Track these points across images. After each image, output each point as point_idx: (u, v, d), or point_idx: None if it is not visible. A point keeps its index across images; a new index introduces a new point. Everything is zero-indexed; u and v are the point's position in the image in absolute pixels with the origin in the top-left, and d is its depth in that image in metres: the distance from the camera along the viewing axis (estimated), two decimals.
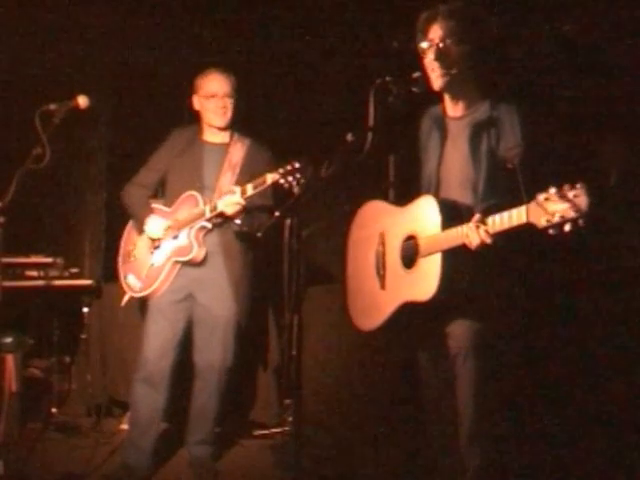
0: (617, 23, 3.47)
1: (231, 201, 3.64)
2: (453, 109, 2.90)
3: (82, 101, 3.50)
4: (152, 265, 3.83)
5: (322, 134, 4.06)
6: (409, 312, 2.81)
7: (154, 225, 3.83)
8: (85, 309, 4.34)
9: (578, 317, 3.55)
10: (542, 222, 2.31)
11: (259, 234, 3.44)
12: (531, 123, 2.81)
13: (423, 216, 2.78)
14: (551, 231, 2.30)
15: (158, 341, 3.77)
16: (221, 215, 3.72)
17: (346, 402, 4.02)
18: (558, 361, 3.55)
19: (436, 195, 2.83)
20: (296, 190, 3.45)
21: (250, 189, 3.62)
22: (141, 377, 3.77)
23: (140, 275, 3.86)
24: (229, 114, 3.83)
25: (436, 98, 2.99)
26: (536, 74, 3.66)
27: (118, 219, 4.64)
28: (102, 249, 4.86)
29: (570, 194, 2.24)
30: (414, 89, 2.89)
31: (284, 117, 4.04)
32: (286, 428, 4.22)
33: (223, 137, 3.89)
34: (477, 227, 2.56)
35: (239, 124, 3.90)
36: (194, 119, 3.95)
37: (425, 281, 2.71)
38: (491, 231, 2.53)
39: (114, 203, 4.79)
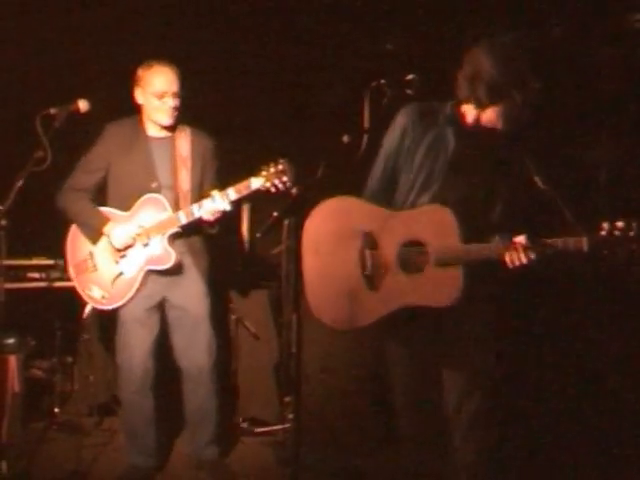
0: (605, 26, 3.52)
1: (214, 208, 3.50)
2: (473, 119, 2.83)
3: (82, 105, 3.49)
4: (121, 275, 3.66)
5: (319, 136, 4.09)
6: (406, 313, 2.82)
7: (120, 233, 3.61)
8: (87, 309, 4.36)
9: (578, 314, 3.60)
10: (603, 252, 2.51)
11: (258, 234, 3.45)
12: None
13: (435, 225, 2.76)
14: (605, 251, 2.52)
15: (140, 350, 3.70)
16: (198, 220, 3.58)
17: (345, 399, 4.04)
18: (556, 358, 3.60)
19: (441, 195, 2.81)
20: (293, 190, 3.38)
21: (233, 194, 3.48)
22: (132, 389, 3.73)
23: (106, 286, 3.68)
24: (177, 113, 3.65)
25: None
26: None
27: None
28: None
29: (630, 234, 2.47)
30: (408, 91, 2.91)
31: (280, 119, 4.05)
32: (286, 425, 4.22)
33: (167, 130, 3.72)
34: (525, 249, 2.62)
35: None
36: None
37: (443, 288, 2.72)
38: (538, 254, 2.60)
39: None
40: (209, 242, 3.79)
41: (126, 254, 3.66)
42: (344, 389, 4.08)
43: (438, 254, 2.74)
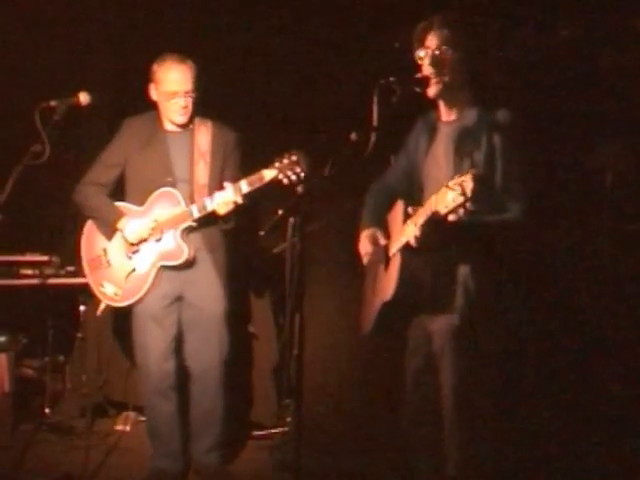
0: (615, 27, 3.52)
1: (225, 200, 3.44)
2: (446, 114, 2.93)
3: (83, 98, 3.43)
4: (134, 271, 3.61)
5: (326, 133, 4.06)
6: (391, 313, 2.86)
7: (134, 228, 3.58)
8: (82, 308, 4.30)
9: (556, 308, 3.60)
10: (443, 210, 2.48)
11: (261, 232, 3.41)
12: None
13: (395, 220, 2.91)
14: (450, 217, 2.49)
15: (158, 350, 3.64)
16: (211, 214, 3.53)
17: (345, 402, 4.02)
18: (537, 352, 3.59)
19: (421, 195, 2.87)
20: (299, 187, 3.38)
21: (245, 186, 3.43)
22: (150, 390, 3.68)
23: (119, 283, 3.63)
24: (190, 111, 3.58)
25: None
26: (534, 75, 3.70)
27: None
28: None
29: (459, 181, 2.44)
30: (417, 89, 2.92)
31: (289, 116, 4.02)
32: (284, 428, 4.19)
33: (184, 125, 3.64)
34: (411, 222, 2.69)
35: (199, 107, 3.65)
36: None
37: (389, 281, 2.79)
38: (417, 224, 2.64)
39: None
40: (228, 239, 3.70)
41: (139, 250, 3.61)
42: (344, 392, 4.06)
43: (392, 247, 2.86)
